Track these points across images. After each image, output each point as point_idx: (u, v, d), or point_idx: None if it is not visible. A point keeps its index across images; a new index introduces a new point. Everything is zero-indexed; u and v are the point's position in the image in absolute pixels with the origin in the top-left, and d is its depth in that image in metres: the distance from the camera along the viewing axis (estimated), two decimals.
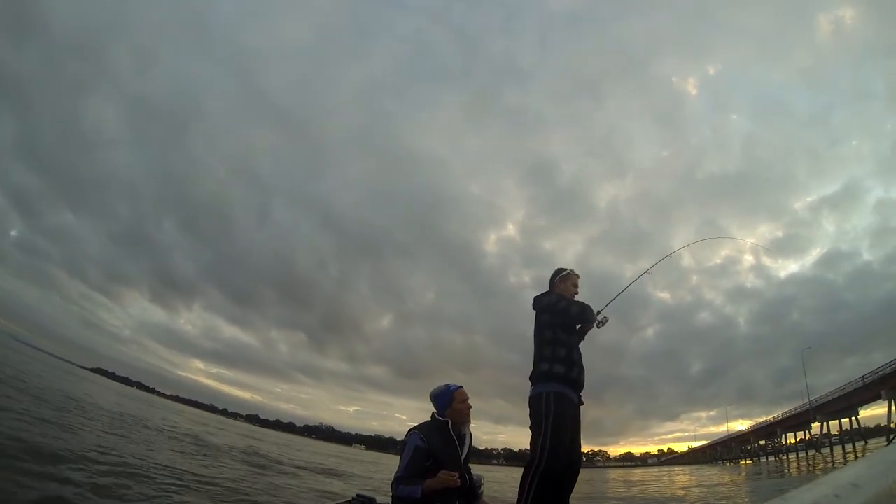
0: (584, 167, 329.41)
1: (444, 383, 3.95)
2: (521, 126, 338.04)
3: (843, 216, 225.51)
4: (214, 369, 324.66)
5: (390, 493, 3.55)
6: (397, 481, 3.49)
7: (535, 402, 4.11)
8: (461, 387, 3.92)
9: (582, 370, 4.25)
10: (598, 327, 4.52)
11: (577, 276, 4.64)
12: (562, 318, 4.29)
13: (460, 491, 3.59)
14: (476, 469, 4.17)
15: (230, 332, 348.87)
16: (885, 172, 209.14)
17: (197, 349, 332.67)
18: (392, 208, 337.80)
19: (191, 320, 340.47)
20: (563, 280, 4.59)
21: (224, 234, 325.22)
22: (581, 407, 4.20)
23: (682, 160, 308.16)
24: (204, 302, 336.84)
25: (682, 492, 23.86)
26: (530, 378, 4.29)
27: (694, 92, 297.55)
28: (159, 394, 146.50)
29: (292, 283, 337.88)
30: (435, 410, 3.86)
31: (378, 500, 3.88)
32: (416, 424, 3.82)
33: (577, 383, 4.16)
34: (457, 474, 3.44)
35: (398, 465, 3.61)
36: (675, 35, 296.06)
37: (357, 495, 4.04)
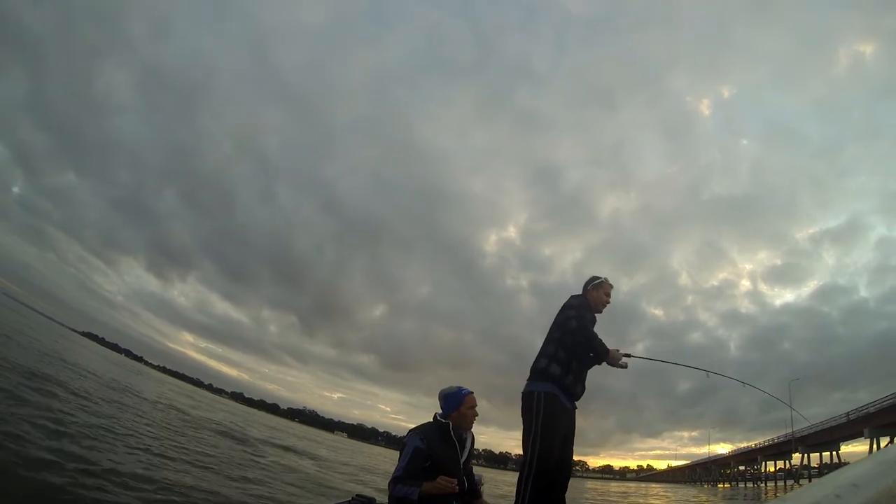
0: (589, 175, 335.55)
1: (455, 384, 3.92)
2: (529, 128, 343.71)
3: (843, 250, 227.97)
4: (203, 343, 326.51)
5: (388, 492, 3.53)
6: (395, 481, 3.45)
7: (526, 400, 4.14)
8: (472, 392, 3.89)
9: (579, 381, 4.27)
10: (614, 365, 4.39)
11: (611, 286, 4.68)
12: (569, 332, 4.29)
13: (459, 494, 3.56)
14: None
15: (222, 307, 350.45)
16: (889, 210, 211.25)
17: (188, 322, 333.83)
18: (394, 199, 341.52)
19: (184, 292, 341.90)
20: (595, 288, 4.62)
21: (225, 210, 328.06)
22: (574, 411, 4.24)
23: (688, 178, 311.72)
24: (199, 275, 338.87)
25: None
26: (530, 370, 4.32)
27: (707, 112, 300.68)
28: (147, 363, 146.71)
29: (288, 264, 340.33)
30: (440, 411, 3.82)
31: (377, 501, 3.85)
32: (416, 425, 3.79)
33: (569, 390, 4.17)
34: (455, 480, 3.43)
35: (396, 464, 3.57)
36: (693, 52, 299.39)
37: (357, 495, 4.02)
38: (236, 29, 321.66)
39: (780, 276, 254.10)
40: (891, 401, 40.87)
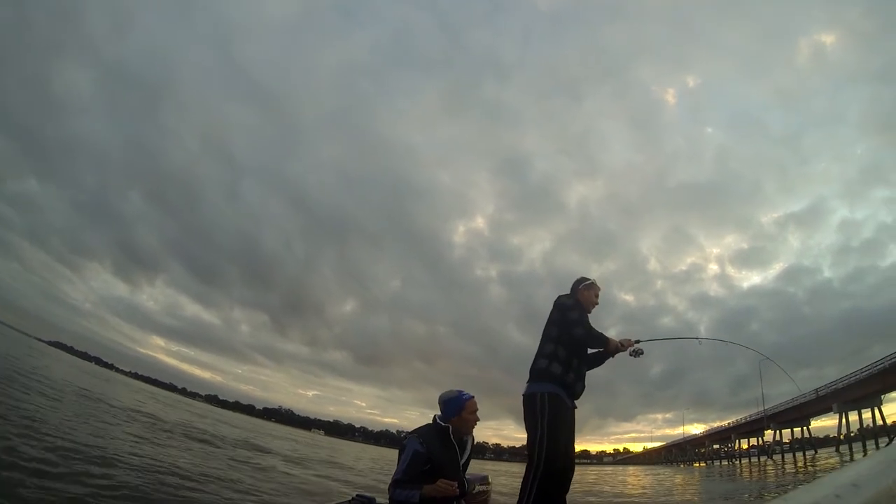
0: (556, 165, 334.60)
1: (455, 388, 3.89)
2: (496, 119, 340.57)
3: (807, 233, 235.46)
4: (175, 347, 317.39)
5: (388, 495, 3.52)
6: (395, 484, 3.46)
7: (529, 402, 4.13)
8: (473, 397, 3.86)
9: (579, 379, 4.27)
10: (632, 355, 4.48)
11: (600, 289, 4.69)
12: (567, 329, 4.28)
13: (458, 496, 3.57)
14: None
15: (192, 309, 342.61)
16: (850, 195, 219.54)
17: (158, 326, 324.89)
18: (362, 193, 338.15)
19: (153, 296, 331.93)
20: (586, 289, 4.62)
21: (191, 210, 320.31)
22: (574, 410, 4.25)
23: (654, 166, 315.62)
24: (167, 277, 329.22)
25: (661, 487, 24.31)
26: (529, 373, 4.30)
27: (672, 101, 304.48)
28: (118, 370, 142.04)
29: (257, 262, 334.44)
30: (439, 413, 3.80)
31: (378, 501, 3.83)
32: (415, 427, 3.79)
33: (571, 388, 4.17)
34: (455, 483, 3.44)
35: (396, 467, 3.58)
36: (659, 43, 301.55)
37: (357, 495, 3.98)
38: (200, 24, 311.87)
39: (746, 259, 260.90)
40: (857, 377, 42.60)
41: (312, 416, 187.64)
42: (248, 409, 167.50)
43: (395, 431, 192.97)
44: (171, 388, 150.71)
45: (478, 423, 3.88)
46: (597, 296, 4.64)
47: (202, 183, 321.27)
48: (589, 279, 4.68)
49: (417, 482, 3.41)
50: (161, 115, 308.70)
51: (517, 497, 3.92)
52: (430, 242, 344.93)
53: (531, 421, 4.04)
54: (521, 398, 4.23)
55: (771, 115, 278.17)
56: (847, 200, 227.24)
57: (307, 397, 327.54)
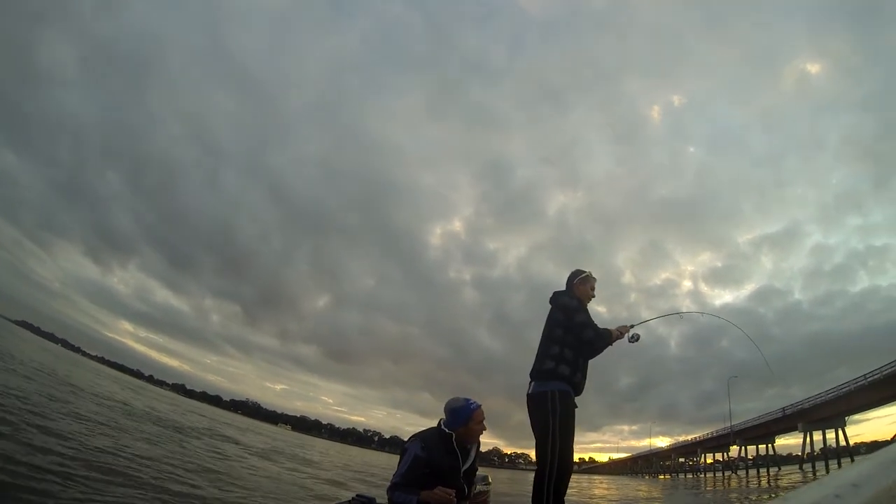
0: (538, 173, 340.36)
1: (462, 396, 3.78)
2: (481, 123, 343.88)
3: (780, 255, 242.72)
4: (144, 333, 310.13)
5: (387, 497, 3.51)
6: (394, 487, 3.44)
7: (539, 400, 4.10)
8: (480, 406, 3.76)
9: (584, 377, 4.30)
10: (630, 341, 4.53)
11: (595, 280, 4.71)
12: (574, 331, 4.28)
13: (460, 497, 3.55)
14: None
15: (163, 295, 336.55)
16: (824, 220, 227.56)
17: (128, 310, 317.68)
18: (342, 188, 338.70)
19: (124, 279, 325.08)
20: (582, 282, 4.62)
21: (169, 194, 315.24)
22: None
23: (635, 180, 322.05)
24: (140, 262, 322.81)
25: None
26: (531, 374, 4.29)
27: (657, 117, 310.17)
28: (85, 353, 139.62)
29: (233, 252, 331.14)
30: (443, 419, 3.70)
31: (378, 501, 3.77)
32: (419, 430, 3.73)
33: (578, 388, 4.20)
34: (453, 492, 3.38)
35: (395, 470, 3.55)
36: (647, 59, 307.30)
37: (357, 496, 3.93)
38: (192, 7, 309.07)
39: (720, 277, 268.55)
40: (823, 398, 44.30)
41: (279, 411, 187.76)
42: (216, 401, 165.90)
43: (361, 430, 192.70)
44: (139, 374, 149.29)
45: (483, 432, 3.80)
46: (593, 288, 4.65)
47: (182, 168, 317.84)
48: (584, 272, 4.66)
49: (416, 487, 3.37)
50: (145, 96, 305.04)
51: (529, 498, 3.91)
52: (406, 242, 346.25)
53: (541, 420, 4.02)
54: (526, 398, 4.22)
55: (753, 136, 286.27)
56: (821, 225, 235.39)
57: (275, 391, 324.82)
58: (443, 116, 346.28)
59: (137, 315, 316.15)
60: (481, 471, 4.23)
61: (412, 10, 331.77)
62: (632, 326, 4.52)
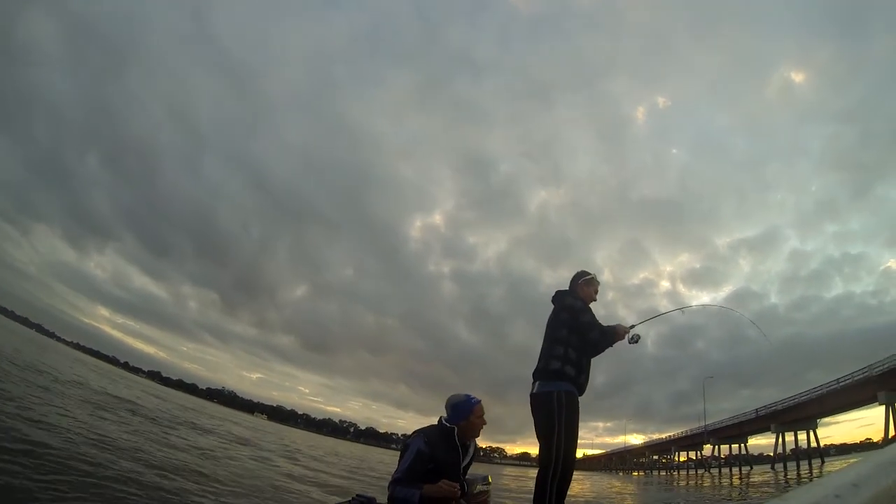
0: (520, 168, 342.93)
1: (463, 392, 3.88)
2: (465, 117, 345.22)
3: (759, 259, 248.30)
4: (120, 319, 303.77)
5: (388, 493, 3.51)
6: (396, 482, 3.45)
7: (544, 400, 4.12)
8: (480, 401, 3.86)
9: (587, 378, 4.32)
10: (630, 342, 4.49)
11: (599, 283, 4.74)
12: (578, 331, 4.31)
13: (459, 499, 3.59)
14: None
15: (141, 281, 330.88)
16: (803, 226, 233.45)
17: (104, 296, 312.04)
18: (324, 178, 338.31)
19: (101, 264, 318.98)
20: (586, 284, 4.65)
21: (149, 179, 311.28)
22: None
23: (617, 179, 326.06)
24: (118, 247, 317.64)
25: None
26: (535, 374, 4.31)
27: (641, 118, 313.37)
28: (60, 339, 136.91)
29: (212, 239, 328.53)
30: (445, 415, 3.78)
31: (378, 501, 3.75)
32: (421, 427, 3.79)
33: (582, 389, 4.23)
34: (457, 485, 3.46)
35: (397, 465, 3.58)
36: (634, 60, 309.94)
37: (357, 495, 3.92)
38: None
39: (698, 278, 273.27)
40: (796, 400, 45.39)
41: (255, 400, 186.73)
42: (192, 389, 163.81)
43: (337, 421, 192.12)
44: (114, 361, 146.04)
45: (484, 426, 3.87)
46: (596, 291, 4.68)
47: (163, 153, 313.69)
48: (589, 273, 4.69)
49: (418, 482, 3.40)
50: (128, 78, 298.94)
51: (531, 498, 3.93)
52: (386, 234, 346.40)
53: (546, 419, 4.04)
54: (529, 397, 4.23)
55: (736, 141, 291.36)
56: (799, 231, 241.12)
57: (251, 380, 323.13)
58: (427, 109, 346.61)
59: (114, 300, 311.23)
60: (482, 470, 4.26)
61: (402, 2, 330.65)
62: (632, 327, 4.49)
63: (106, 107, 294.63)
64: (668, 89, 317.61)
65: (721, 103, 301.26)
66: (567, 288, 4.68)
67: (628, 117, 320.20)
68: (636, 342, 4.48)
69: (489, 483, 4.41)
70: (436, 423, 3.81)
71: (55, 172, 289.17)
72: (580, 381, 4.18)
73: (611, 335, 4.32)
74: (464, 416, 3.74)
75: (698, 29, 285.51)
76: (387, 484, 3.50)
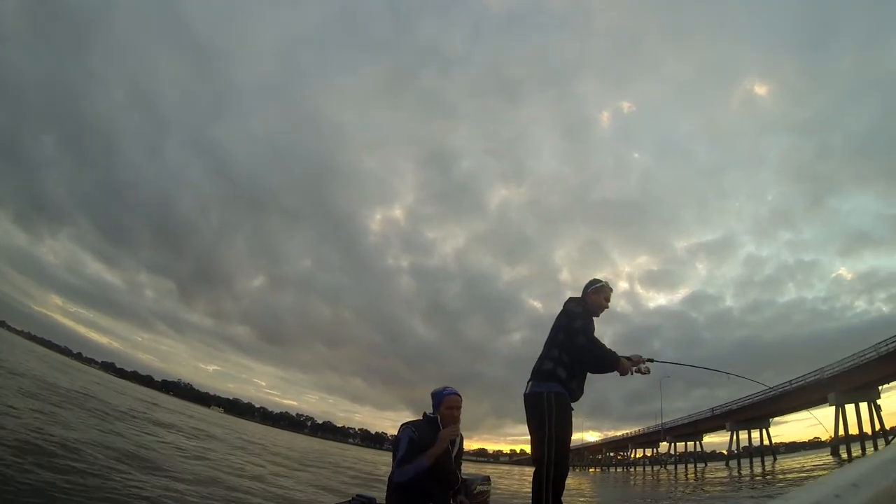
0: (483, 165, 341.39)
1: (445, 384, 4.17)
2: (431, 111, 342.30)
3: (715, 263, 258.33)
4: (73, 308, 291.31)
5: (394, 491, 3.67)
6: (400, 463, 3.64)
7: (535, 401, 4.13)
8: (455, 393, 4.10)
9: (580, 385, 4.31)
10: (637, 372, 4.38)
11: (611, 290, 4.70)
12: (571, 336, 4.28)
13: (453, 488, 3.89)
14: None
15: (95, 268, 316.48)
16: (759, 233, 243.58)
17: (57, 282, 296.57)
18: (285, 167, 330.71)
19: (54, 249, 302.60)
20: (595, 292, 4.61)
21: (107, 162, 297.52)
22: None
23: (579, 179, 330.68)
24: (72, 231, 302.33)
25: None
26: (531, 373, 4.32)
27: (606, 120, 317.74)
28: (9, 328, 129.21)
29: (170, 226, 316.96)
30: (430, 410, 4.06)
31: (378, 501, 3.87)
32: (408, 420, 4.00)
33: (573, 394, 4.22)
34: (457, 426, 3.89)
35: (393, 460, 3.77)
36: (602, 63, 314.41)
37: (357, 495, 3.91)
38: None
39: (655, 280, 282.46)
40: (750, 400, 47.23)
41: (212, 392, 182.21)
42: (147, 381, 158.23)
43: (294, 414, 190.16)
44: (66, 352, 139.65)
45: (457, 420, 4.04)
46: (606, 299, 4.65)
47: (123, 135, 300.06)
48: (600, 281, 4.68)
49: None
50: (89, 55, 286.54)
51: (519, 499, 3.92)
52: (345, 225, 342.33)
53: (537, 420, 4.05)
54: (523, 397, 4.24)
55: (698, 148, 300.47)
56: (755, 238, 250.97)
57: (207, 372, 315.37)
58: (393, 101, 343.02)
59: (67, 288, 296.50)
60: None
61: None
62: (649, 360, 4.44)
63: (66, 85, 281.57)
64: (634, 93, 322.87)
65: (685, 110, 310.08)
66: (580, 295, 4.68)
67: (594, 119, 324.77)
68: (646, 373, 4.41)
69: (489, 483, 4.42)
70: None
71: (8, 152, 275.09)
72: (571, 386, 4.18)
73: (602, 349, 4.25)
74: (436, 406, 4.01)
75: (668, 36, 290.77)
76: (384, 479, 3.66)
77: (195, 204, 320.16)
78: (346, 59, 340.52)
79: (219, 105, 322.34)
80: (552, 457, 3.88)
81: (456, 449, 4.00)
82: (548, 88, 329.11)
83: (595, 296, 4.60)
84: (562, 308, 4.55)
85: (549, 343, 4.38)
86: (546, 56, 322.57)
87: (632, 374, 4.32)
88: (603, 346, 4.26)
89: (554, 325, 4.48)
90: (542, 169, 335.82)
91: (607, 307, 4.66)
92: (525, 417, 4.18)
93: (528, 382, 4.28)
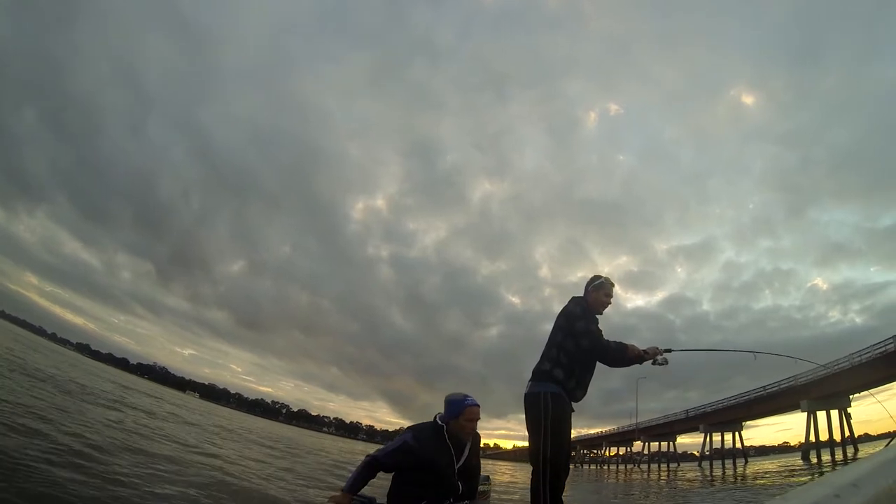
0: (467, 158, 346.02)
1: (462, 392, 3.88)
2: (418, 102, 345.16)
3: (694, 267, 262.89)
4: (49, 287, 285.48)
5: (391, 493, 3.61)
6: (373, 460, 3.51)
7: (532, 401, 4.13)
8: (477, 405, 3.83)
9: (580, 386, 4.27)
10: (654, 364, 4.35)
11: (612, 285, 4.63)
12: (573, 339, 4.23)
13: (454, 496, 3.61)
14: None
15: (72, 247, 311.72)
16: (739, 239, 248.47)
17: (33, 261, 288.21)
18: (269, 152, 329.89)
19: (31, 227, 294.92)
20: (596, 289, 4.55)
21: (89, 139, 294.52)
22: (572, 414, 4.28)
23: (563, 177, 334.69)
24: (50, 209, 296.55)
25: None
26: (532, 373, 4.30)
27: (592, 121, 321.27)
28: None
29: (150, 207, 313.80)
30: (439, 413, 3.81)
31: (378, 501, 3.76)
32: (415, 423, 3.82)
33: (571, 393, 4.19)
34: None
35: (382, 447, 3.67)
36: (592, 64, 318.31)
37: (357, 495, 3.80)
38: None
39: (635, 281, 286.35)
40: (724, 404, 48.62)
41: (187, 377, 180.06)
42: (122, 363, 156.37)
43: (269, 401, 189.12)
44: (41, 331, 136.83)
45: (473, 431, 3.84)
46: (608, 295, 4.57)
47: (106, 112, 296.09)
48: (600, 278, 4.61)
49: (399, 472, 3.58)
50: (76, 28, 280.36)
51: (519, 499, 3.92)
52: (327, 213, 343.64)
53: (534, 420, 4.04)
54: (523, 397, 4.23)
55: (683, 153, 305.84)
56: (735, 244, 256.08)
57: (183, 356, 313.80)
58: (381, 90, 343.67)
59: (43, 266, 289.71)
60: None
61: None
62: (667, 351, 4.37)
63: (50, 58, 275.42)
64: (622, 96, 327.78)
65: (672, 115, 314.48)
66: (583, 293, 4.63)
67: (580, 119, 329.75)
68: (663, 364, 4.35)
69: (490, 483, 4.44)
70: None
71: None
72: (569, 386, 4.15)
73: (607, 346, 4.21)
74: (453, 415, 3.71)
75: (659, 43, 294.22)
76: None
77: (176, 185, 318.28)
78: (336, 45, 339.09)
79: (204, 86, 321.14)
80: (548, 456, 3.88)
81: (464, 458, 3.78)
82: (536, 86, 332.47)
83: (596, 293, 4.53)
84: (562, 309, 4.50)
85: (549, 343, 4.36)
86: (536, 54, 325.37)
87: (653, 363, 4.31)
88: (608, 343, 4.21)
89: (554, 325, 4.44)
90: (527, 165, 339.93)
91: (609, 303, 4.58)
92: (524, 417, 4.18)
93: (528, 382, 4.28)
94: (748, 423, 50.60)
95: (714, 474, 40.47)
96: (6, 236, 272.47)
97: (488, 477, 4.41)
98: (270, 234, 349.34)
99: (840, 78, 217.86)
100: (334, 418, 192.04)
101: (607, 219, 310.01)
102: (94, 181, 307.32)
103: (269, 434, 36.05)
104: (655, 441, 62.79)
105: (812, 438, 37.79)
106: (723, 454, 51.22)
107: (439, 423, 3.72)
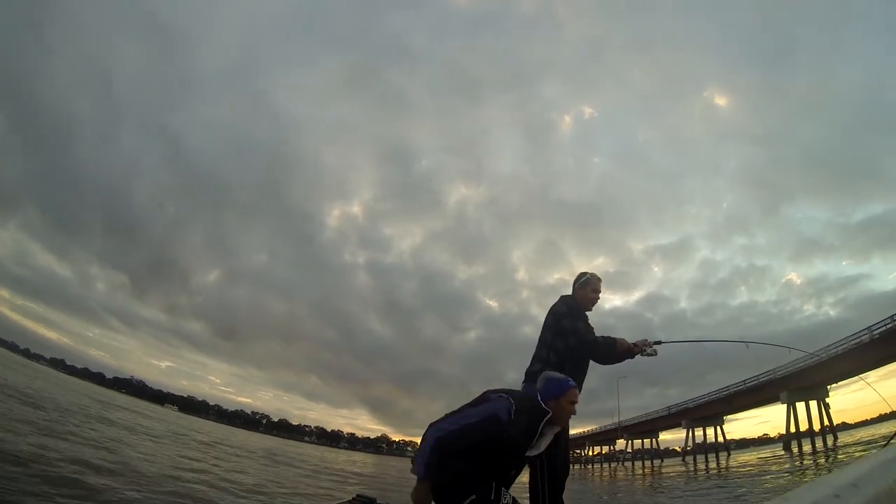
0: (442, 162, 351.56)
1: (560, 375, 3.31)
2: (392, 106, 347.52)
3: (671, 266, 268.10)
4: (21, 301, 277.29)
5: (391, 493, 3.19)
6: (437, 430, 2.79)
7: None
8: (577, 387, 3.27)
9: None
10: (643, 355, 4.26)
11: (599, 280, 4.65)
12: (562, 337, 4.24)
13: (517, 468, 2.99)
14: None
15: (45, 260, 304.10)
16: (714, 238, 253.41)
17: (4, 274, 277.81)
18: (243, 158, 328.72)
19: (2, 239, 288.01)
20: (582, 286, 4.58)
21: (60, 147, 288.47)
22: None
23: (539, 180, 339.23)
24: (21, 220, 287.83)
25: None
26: (524, 374, 4.32)
27: (567, 124, 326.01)
28: None
29: (124, 217, 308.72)
30: (538, 393, 3.14)
31: (378, 501, 3.54)
32: (508, 389, 3.10)
33: None
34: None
35: (455, 409, 2.94)
36: (566, 67, 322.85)
37: (357, 495, 3.76)
38: None
39: (612, 281, 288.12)
40: (705, 399, 49.37)
41: (165, 390, 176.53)
42: (98, 378, 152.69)
43: (249, 412, 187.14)
44: (13, 347, 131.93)
45: (573, 416, 3.27)
46: (595, 290, 4.58)
47: (77, 119, 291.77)
48: (586, 275, 4.64)
49: (469, 452, 2.71)
50: (46, 30, 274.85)
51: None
52: (302, 220, 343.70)
53: None
54: None
55: (657, 154, 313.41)
56: (711, 242, 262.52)
57: (160, 368, 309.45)
58: (355, 95, 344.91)
59: (14, 279, 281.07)
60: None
61: None
62: (657, 343, 4.29)
63: (18, 61, 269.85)
64: (597, 99, 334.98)
65: (646, 117, 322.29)
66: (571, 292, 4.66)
67: (555, 122, 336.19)
68: (653, 355, 4.26)
69: None
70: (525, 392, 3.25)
71: None
72: None
73: (595, 342, 4.20)
74: (556, 394, 3.11)
75: (633, 46, 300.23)
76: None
77: (150, 194, 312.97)
78: (310, 50, 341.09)
79: (176, 91, 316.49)
80: (543, 458, 3.87)
81: (540, 448, 3.02)
82: (511, 90, 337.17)
83: (583, 290, 4.57)
84: (550, 309, 4.52)
85: (539, 343, 4.37)
86: (511, 58, 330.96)
87: (642, 354, 4.25)
88: (595, 339, 4.22)
89: (543, 325, 4.45)
90: (502, 169, 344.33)
91: (598, 299, 4.59)
92: None
93: (521, 384, 4.26)
94: (729, 416, 51.56)
95: (698, 468, 41.05)
96: None
97: None
98: (246, 243, 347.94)
99: (808, 80, 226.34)
100: (315, 427, 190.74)
101: (584, 221, 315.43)
102: (67, 191, 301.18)
103: (247, 445, 35.67)
104: (638, 439, 63.63)
105: (792, 429, 38.85)
106: (705, 448, 52.27)
107: (541, 404, 3.04)
